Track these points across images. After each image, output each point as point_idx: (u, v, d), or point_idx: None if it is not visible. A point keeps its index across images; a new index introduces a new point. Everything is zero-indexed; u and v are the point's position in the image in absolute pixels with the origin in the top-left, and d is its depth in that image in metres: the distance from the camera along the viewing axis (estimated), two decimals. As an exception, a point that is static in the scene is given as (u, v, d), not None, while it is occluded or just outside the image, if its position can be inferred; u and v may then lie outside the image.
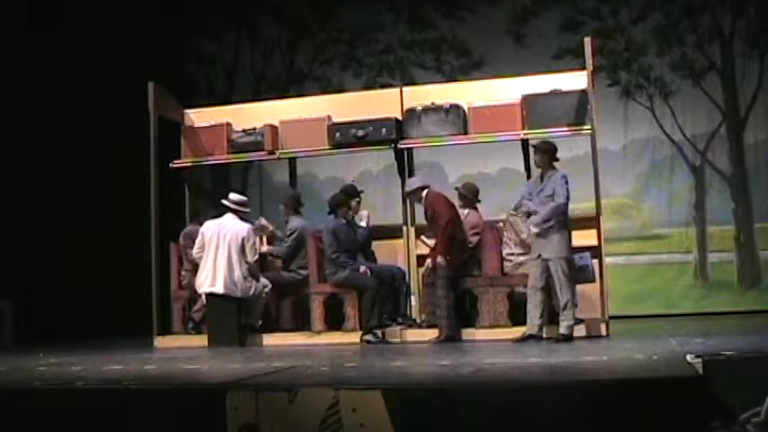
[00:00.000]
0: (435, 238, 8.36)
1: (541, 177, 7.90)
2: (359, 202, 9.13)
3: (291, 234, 9.11)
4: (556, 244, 7.74)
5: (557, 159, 7.94)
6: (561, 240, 7.74)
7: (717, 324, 9.09)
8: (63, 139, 10.88)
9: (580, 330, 7.97)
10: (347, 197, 8.91)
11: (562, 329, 7.68)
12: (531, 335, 7.76)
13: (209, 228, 8.92)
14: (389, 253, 9.31)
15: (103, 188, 10.79)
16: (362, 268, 8.62)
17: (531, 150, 8.08)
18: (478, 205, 8.83)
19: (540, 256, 7.80)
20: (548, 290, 7.82)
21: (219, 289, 8.70)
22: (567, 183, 7.77)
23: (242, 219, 8.94)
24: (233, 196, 9.08)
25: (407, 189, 8.68)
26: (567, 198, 7.74)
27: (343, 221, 8.77)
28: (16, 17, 10.64)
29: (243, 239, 8.75)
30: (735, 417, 4.72)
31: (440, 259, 8.21)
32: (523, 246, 8.31)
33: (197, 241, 8.95)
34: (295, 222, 9.18)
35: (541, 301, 7.78)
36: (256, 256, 8.88)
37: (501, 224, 8.58)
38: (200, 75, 13.08)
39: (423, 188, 8.51)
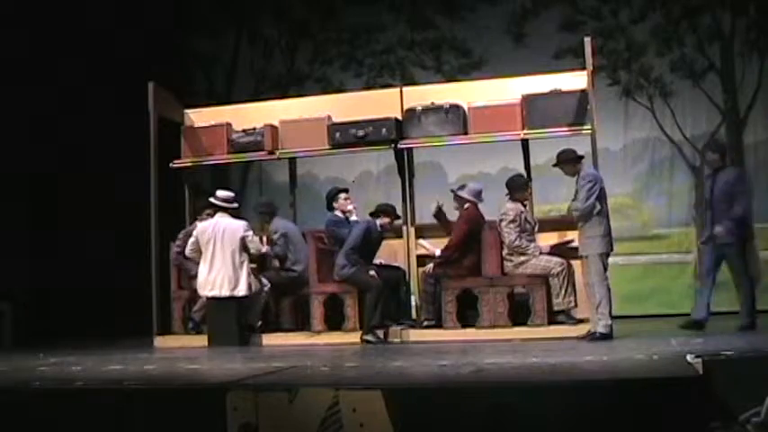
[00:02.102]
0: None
1: (576, 180, 7.93)
2: (346, 199, 9.12)
3: (276, 234, 9.19)
4: (590, 241, 7.75)
5: (581, 158, 7.94)
6: (595, 238, 7.73)
7: (717, 324, 9.09)
8: (63, 138, 10.87)
9: (581, 330, 7.96)
10: (393, 209, 8.96)
11: (600, 328, 7.66)
12: (601, 333, 7.70)
13: (204, 230, 8.91)
14: (389, 253, 9.30)
15: (103, 188, 10.79)
16: (372, 272, 8.62)
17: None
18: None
19: (580, 255, 7.85)
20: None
21: (222, 292, 8.70)
22: (590, 181, 7.75)
23: (234, 216, 8.94)
24: (220, 193, 9.07)
25: (459, 192, 8.72)
26: (585, 200, 7.71)
27: (379, 228, 8.79)
28: (16, 17, 10.63)
29: (242, 237, 8.76)
30: (735, 417, 4.73)
31: (431, 265, 8.67)
32: (512, 250, 8.36)
33: (190, 241, 8.97)
34: (276, 223, 9.27)
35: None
36: (260, 249, 8.90)
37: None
38: (200, 75, 13.08)
39: (467, 201, 8.65)
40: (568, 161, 7.92)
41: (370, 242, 8.75)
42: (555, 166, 8.02)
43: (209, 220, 9.05)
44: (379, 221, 8.82)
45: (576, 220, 7.83)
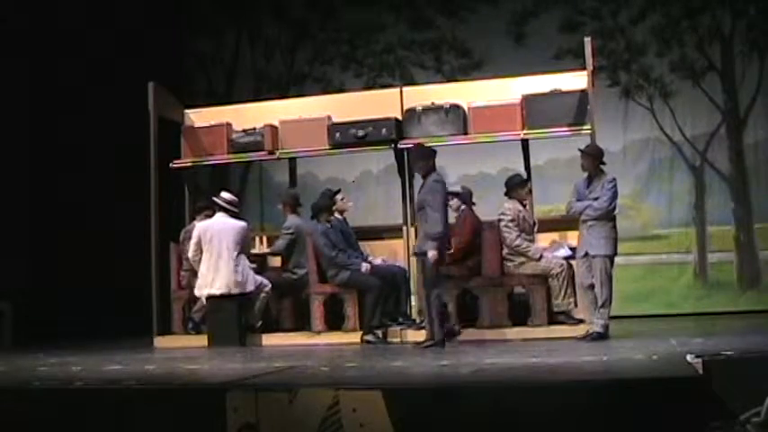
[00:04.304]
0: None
1: (589, 179, 7.88)
2: (342, 199, 9.08)
3: (288, 231, 9.15)
4: (602, 242, 7.72)
5: (603, 163, 7.92)
6: (608, 239, 7.73)
7: (717, 324, 9.10)
8: (63, 138, 10.87)
9: (581, 330, 7.96)
10: (329, 202, 8.92)
11: (597, 327, 7.66)
12: (598, 332, 7.68)
13: (204, 230, 8.91)
14: (389, 253, 9.31)
15: (103, 188, 10.79)
16: (364, 267, 8.63)
17: (580, 155, 7.96)
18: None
19: (587, 253, 7.79)
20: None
21: (220, 290, 8.71)
22: (614, 186, 7.77)
23: (234, 217, 8.95)
24: (225, 195, 9.09)
25: (453, 190, 8.72)
26: (611, 201, 7.72)
27: (328, 225, 8.79)
28: (16, 16, 10.63)
29: (241, 236, 8.78)
30: (735, 417, 4.73)
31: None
32: (512, 249, 8.37)
33: (192, 243, 8.97)
34: (292, 221, 9.23)
35: (592, 300, 7.76)
36: (255, 250, 8.91)
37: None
38: (200, 75, 13.07)
39: (462, 202, 8.68)
40: (596, 157, 7.88)
41: (339, 239, 8.75)
42: (583, 152, 7.90)
43: (207, 220, 9.06)
44: (322, 219, 8.81)
45: (591, 218, 7.72)
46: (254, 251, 9.43)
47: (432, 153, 7.98)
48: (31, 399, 5.47)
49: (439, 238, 7.60)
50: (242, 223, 8.92)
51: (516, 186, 8.54)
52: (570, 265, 8.30)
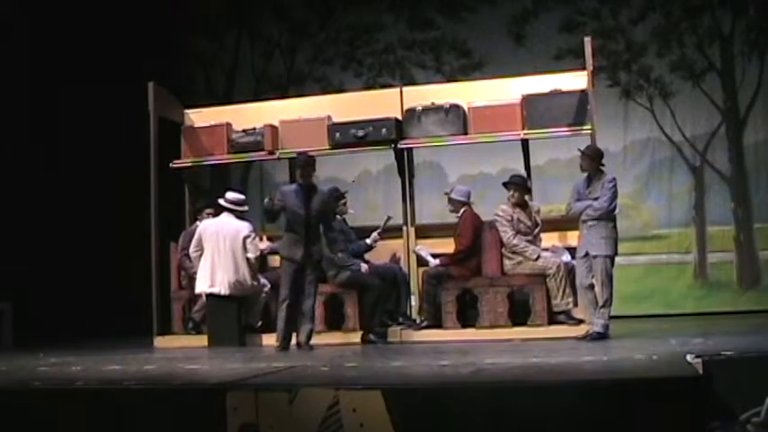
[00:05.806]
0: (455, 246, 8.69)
1: (589, 179, 7.87)
2: (345, 203, 9.09)
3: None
4: (602, 242, 7.71)
5: (602, 164, 7.92)
6: (608, 239, 7.72)
7: (717, 324, 9.10)
8: (62, 139, 10.88)
9: (581, 330, 7.96)
10: (333, 204, 8.92)
11: (598, 327, 7.67)
12: (598, 332, 7.69)
13: (207, 228, 8.92)
14: (389, 253, 9.30)
15: (104, 188, 10.79)
16: (364, 267, 8.64)
17: (580, 156, 7.95)
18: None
19: (587, 254, 7.77)
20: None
21: (220, 290, 8.70)
22: (614, 186, 7.76)
23: (239, 218, 8.95)
24: (230, 195, 9.08)
25: (453, 196, 8.75)
26: (611, 201, 7.71)
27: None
28: (16, 17, 10.63)
29: (244, 238, 8.77)
30: (735, 417, 4.73)
31: (435, 262, 8.70)
32: (510, 248, 8.40)
33: (194, 240, 8.97)
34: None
35: (592, 300, 7.75)
36: (258, 253, 8.91)
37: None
38: (200, 75, 13.08)
39: (464, 204, 8.68)
40: (596, 158, 7.87)
41: (340, 240, 8.78)
42: (582, 153, 7.89)
43: (210, 219, 9.06)
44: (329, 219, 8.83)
45: (591, 218, 7.71)
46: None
47: (314, 161, 8.24)
48: (31, 399, 5.46)
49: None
50: (245, 224, 8.90)
51: (512, 185, 8.50)
52: (567, 265, 8.30)
